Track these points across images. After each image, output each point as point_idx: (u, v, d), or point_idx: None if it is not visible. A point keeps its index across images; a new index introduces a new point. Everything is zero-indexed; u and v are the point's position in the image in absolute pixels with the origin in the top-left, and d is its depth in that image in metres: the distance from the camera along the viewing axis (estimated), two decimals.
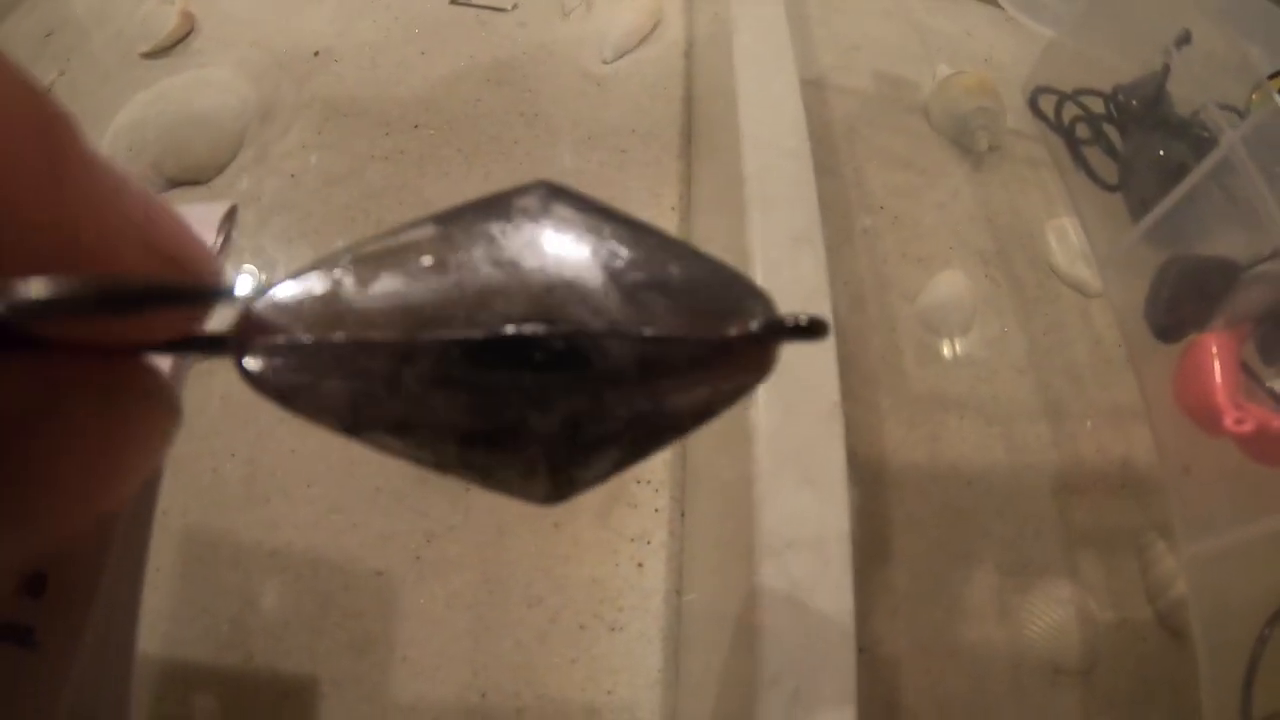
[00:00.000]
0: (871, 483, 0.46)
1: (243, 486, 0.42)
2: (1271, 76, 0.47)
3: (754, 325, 0.13)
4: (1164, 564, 0.46)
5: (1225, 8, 0.55)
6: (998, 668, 0.43)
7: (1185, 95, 0.50)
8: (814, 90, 0.66)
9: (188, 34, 0.60)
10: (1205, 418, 0.40)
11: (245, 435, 0.43)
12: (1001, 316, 0.56)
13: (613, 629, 0.40)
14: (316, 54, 0.59)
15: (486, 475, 0.14)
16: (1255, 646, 0.35)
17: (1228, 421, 0.39)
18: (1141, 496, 0.49)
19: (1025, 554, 0.47)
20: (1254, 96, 0.48)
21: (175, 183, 0.51)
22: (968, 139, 0.65)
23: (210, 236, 0.21)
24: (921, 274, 0.57)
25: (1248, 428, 0.38)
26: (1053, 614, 0.45)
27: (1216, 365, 0.40)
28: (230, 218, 0.22)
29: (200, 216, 0.21)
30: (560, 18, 0.65)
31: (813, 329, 0.14)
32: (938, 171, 0.64)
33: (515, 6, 0.65)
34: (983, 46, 0.75)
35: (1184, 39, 0.42)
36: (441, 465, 0.14)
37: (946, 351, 0.54)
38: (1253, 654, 0.35)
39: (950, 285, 0.55)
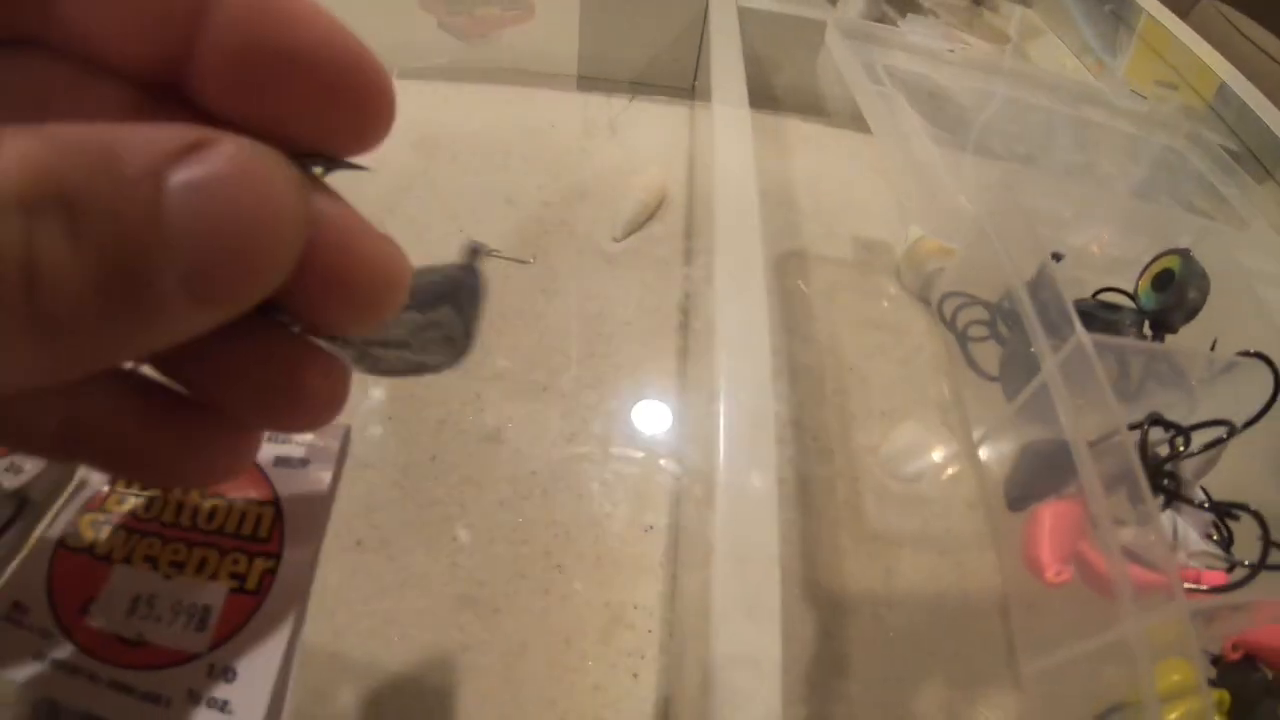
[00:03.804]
0: (832, 609, 0.53)
1: (312, 600, 0.50)
2: (1147, 268, 0.56)
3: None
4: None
5: (1115, 207, 0.65)
6: None
7: (1079, 291, 0.60)
8: (797, 261, 0.75)
9: None
10: (1036, 571, 0.51)
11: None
12: (957, 459, 0.64)
13: None
14: None
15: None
16: None
17: (1049, 574, 0.49)
18: None
19: (973, 666, 0.52)
20: (1139, 284, 0.58)
21: None
22: (932, 296, 0.73)
23: (331, 463, 0.29)
24: (884, 425, 0.64)
25: (1065, 578, 0.49)
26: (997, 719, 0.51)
27: (1046, 531, 0.51)
28: (346, 438, 0.30)
29: (317, 444, 0.28)
30: (579, 199, 0.76)
31: None
32: (904, 329, 0.72)
33: (535, 259, 0.70)
34: None
35: (1058, 256, 0.52)
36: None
37: (904, 493, 0.61)
38: None
39: (909, 435, 0.63)
